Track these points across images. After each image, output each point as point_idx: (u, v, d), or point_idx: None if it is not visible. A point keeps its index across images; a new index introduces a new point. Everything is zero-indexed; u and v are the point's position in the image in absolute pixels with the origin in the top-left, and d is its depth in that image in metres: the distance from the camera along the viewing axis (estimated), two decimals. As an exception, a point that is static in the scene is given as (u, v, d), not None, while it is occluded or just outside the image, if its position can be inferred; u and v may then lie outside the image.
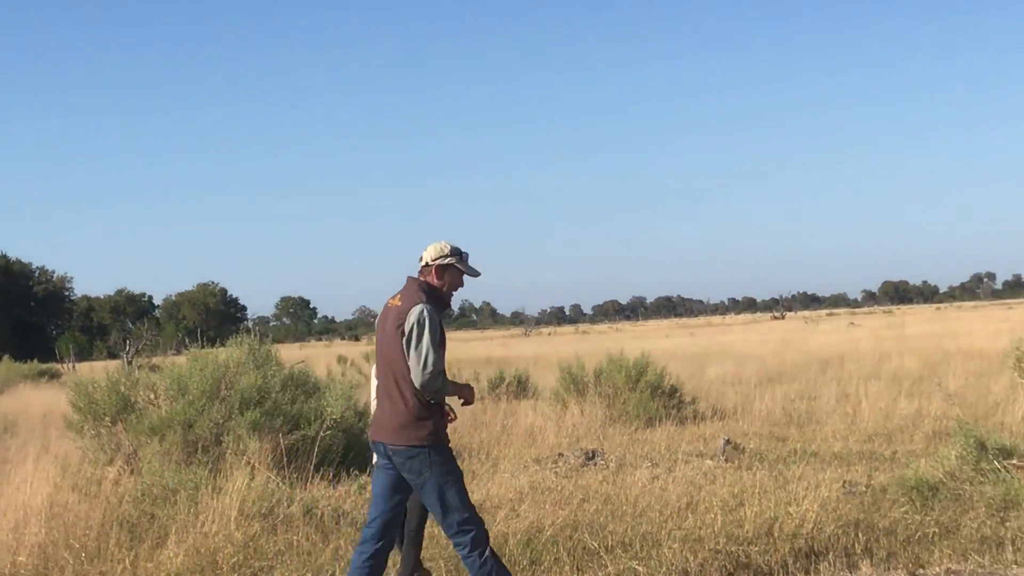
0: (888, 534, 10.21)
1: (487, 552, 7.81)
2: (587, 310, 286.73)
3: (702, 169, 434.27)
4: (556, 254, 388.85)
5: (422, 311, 7.66)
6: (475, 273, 8.05)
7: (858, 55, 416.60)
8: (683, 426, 19.60)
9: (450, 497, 7.76)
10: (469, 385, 8.11)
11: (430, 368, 7.60)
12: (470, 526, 7.77)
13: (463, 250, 8.03)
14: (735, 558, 9.65)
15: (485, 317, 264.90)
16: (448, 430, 8.00)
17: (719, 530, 10.22)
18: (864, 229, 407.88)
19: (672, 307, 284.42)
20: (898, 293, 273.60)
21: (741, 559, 9.67)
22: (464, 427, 19.27)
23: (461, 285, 8.06)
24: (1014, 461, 11.84)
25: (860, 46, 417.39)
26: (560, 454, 16.31)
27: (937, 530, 10.30)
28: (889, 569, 9.43)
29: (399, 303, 7.83)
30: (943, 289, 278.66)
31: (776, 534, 10.17)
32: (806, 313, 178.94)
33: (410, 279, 8.01)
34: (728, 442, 16.13)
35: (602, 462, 15.48)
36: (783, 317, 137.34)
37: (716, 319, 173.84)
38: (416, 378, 7.65)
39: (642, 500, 11.73)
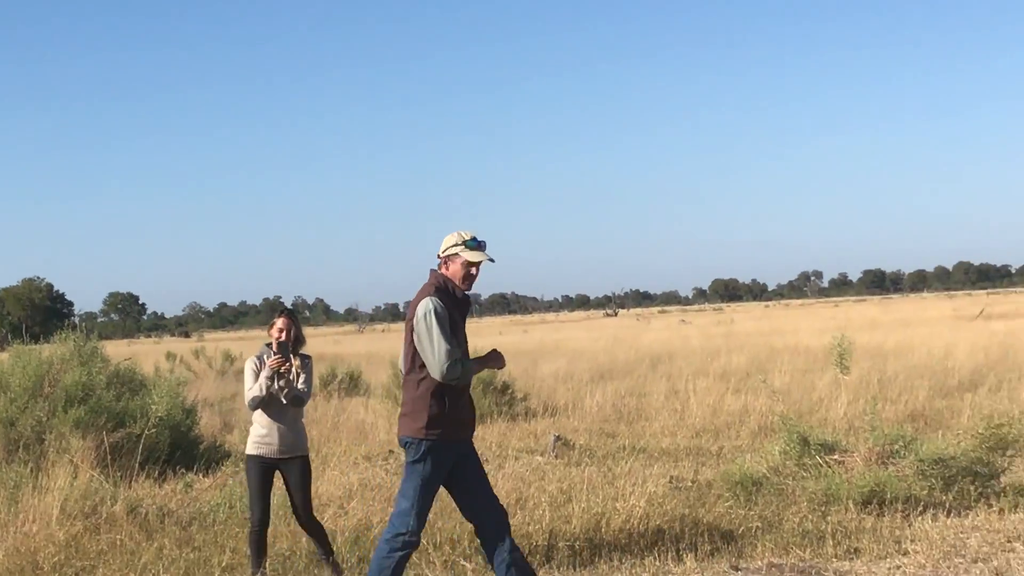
0: (712, 528, 10.35)
1: (403, 552, 7.76)
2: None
3: (533, 166, 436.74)
4: (388, 250, 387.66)
5: (427, 305, 7.69)
6: (480, 259, 7.92)
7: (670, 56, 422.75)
8: (514, 423, 19.67)
9: (406, 488, 7.79)
10: (494, 352, 8.08)
11: (445, 359, 7.60)
12: (402, 526, 7.74)
13: (478, 238, 7.97)
14: (563, 554, 9.72)
15: (318, 314, 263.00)
16: None
17: (547, 526, 10.27)
18: (694, 228, 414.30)
19: (507, 304, 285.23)
20: (728, 291, 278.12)
21: (568, 555, 9.74)
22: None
23: (472, 273, 7.95)
24: (836, 456, 12.08)
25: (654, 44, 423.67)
26: (391, 451, 16.27)
27: (760, 524, 10.48)
28: (713, 563, 9.56)
29: (415, 299, 7.91)
30: (771, 287, 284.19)
31: (603, 529, 10.26)
32: (639, 310, 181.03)
33: (431, 272, 8.05)
34: (558, 438, 16.23)
35: (433, 459, 15.44)
36: (616, 314, 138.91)
37: (550, 316, 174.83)
38: (435, 371, 7.66)
39: (472, 497, 11.72)
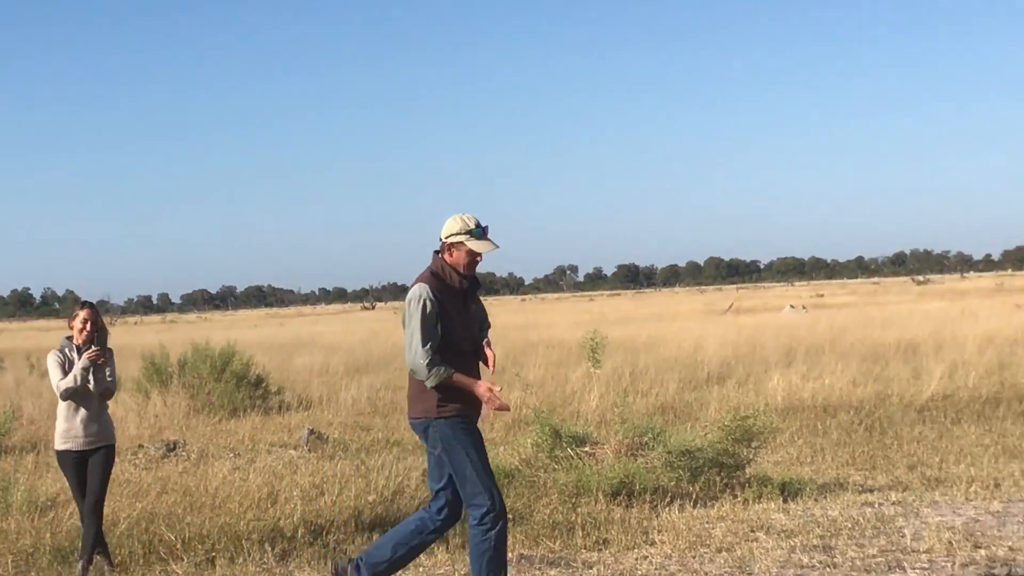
0: (463, 520, 10.34)
1: (497, 528, 7.52)
2: (176, 299, 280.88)
3: (282, 161, 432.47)
4: (142, 240, 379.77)
5: (417, 292, 7.46)
6: (486, 250, 7.65)
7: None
8: (268, 416, 19.44)
9: (459, 470, 7.50)
10: (482, 383, 7.52)
11: (414, 351, 7.37)
12: (482, 505, 7.50)
13: (482, 223, 7.66)
14: (317, 550, 9.64)
15: (68, 305, 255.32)
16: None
17: (299, 520, 10.15)
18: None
19: (263, 297, 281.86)
20: (486, 284, 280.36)
21: (319, 549, 9.66)
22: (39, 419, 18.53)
23: (477, 260, 7.68)
24: (587, 448, 12.23)
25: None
26: (140, 445, 15.91)
27: (511, 516, 10.50)
28: (465, 555, 9.53)
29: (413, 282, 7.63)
30: (528, 281, 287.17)
31: (355, 523, 10.19)
32: (396, 303, 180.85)
33: (433, 255, 7.75)
34: (312, 432, 16.08)
35: (183, 453, 15.16)
36: (373, 308, 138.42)
37: (307, 309, 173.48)
38: (407, 361, 7.46)
39: (222, 491, 11.52)
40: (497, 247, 7.62)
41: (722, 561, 9.10)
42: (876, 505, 10.96)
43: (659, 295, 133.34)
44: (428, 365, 7.34)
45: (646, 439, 12.22)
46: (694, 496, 11.33)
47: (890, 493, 11.55)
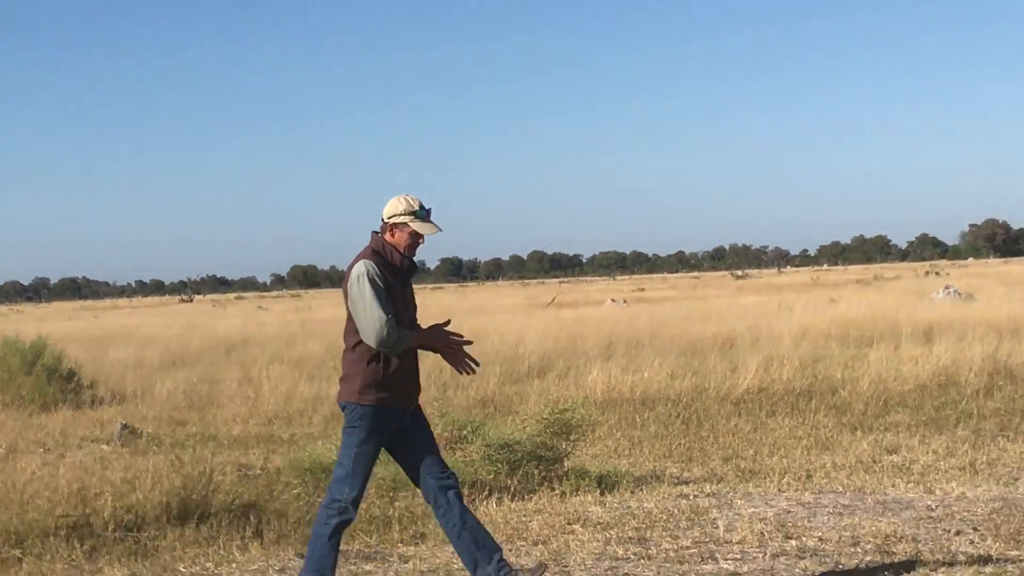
0: (280, 516, 10.22)
1: (337, 521, 7.36)
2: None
3: (94, 149, 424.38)
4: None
5: (360, 269, 7.25)
6: (430, 232, 7.47)
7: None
8: (80, 411, 19.01)
9: (342, 456, 7.40)
10: (437, 327, 7.53)
11: (374, 320, 7.15)
12: (337, 493, 7.37)
13: (425, 205, 7.45)
14: (128, 546, 9.44)
15: None
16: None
17: (109, 516, 9.91)
18: (273, 216, 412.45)
19: (77, 289, 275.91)
20: (307, 277, 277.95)
21: (131, 545, 9.46)
22: None
23: (419, 243, 7.47)
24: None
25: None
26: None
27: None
28: (279, 550, 9.44)
29: (350, 263, 7.40)
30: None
31: (168, 518, 10.00)
32: (215, 296, 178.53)
33: (372, 235, 7.52)
34: (125, 427, 15.77)
35: (-10, 449, 14.73)
36: (191, 300, 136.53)
37: (123, 301, 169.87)
38: (367, 337, 7.19)
39: (31, 487, 11.18)
40: (440, 230, 7.50)
41: (538, 554, 9.11)
42: (691, 497, 11.09)
43: (482, 289, 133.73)
44: (390, 331, 7.19)
45: (465, 433, 12.19)
46: (512, 489, 11.33)
47: (705, 485, 11.69)
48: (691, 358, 22.10)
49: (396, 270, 7.44)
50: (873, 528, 9.55)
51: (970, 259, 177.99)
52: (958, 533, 9.40)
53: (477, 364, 7.67)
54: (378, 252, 7.43)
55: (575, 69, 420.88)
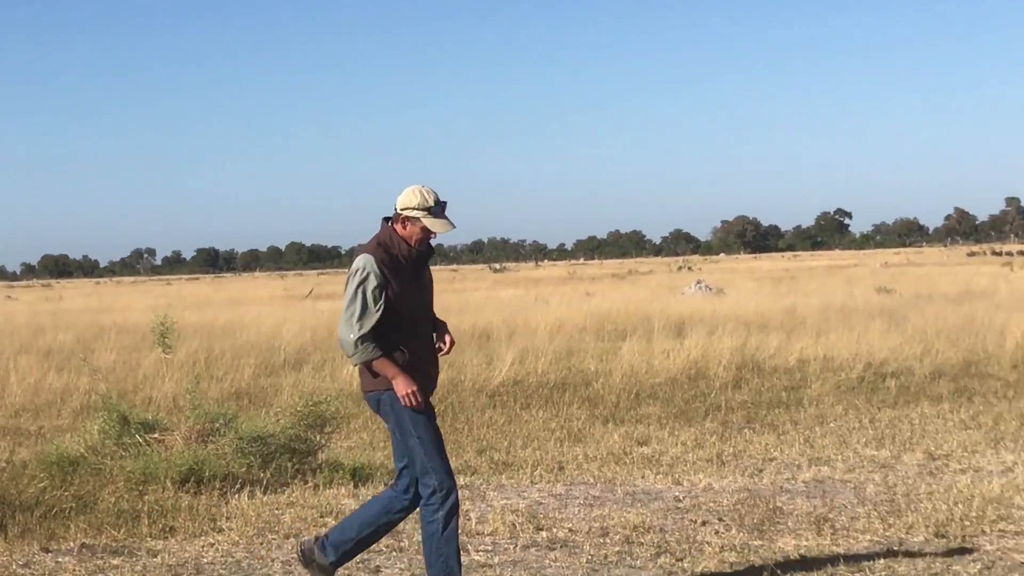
0: (25, 509, 9.94)
1: (445, 509, 7.16)
2: None
3: None
4: None
5: (360, 263, 7.03)
6: (443, 230, 7.16)
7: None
8: None
9: (409, 450, 7.17)
10: (403, 382, 7.07)
11: (344, 323, 6.99)
12: (428, 481, 7.16)
13: (441, 199, 7.12)
14: None
15: None
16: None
17: None
18: (19, 204, 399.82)
19: None
20: (58, 267, 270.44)
21: None
22: None
23: (431, 236, 7.16)
24: (157, 435, 11.95)
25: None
26: None
27: (75, 505, 10.18)
28: (23, 544, 9.19)
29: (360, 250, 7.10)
30: (104, 264, 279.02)
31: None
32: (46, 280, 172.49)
33: (382, 222, 7.20)
34: None
35: None
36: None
37: None
38: (339, 337, 7.05)
39: None
40: (454, 227, 7.22)
41: (289, 547, 9.07)
42: (445, 489, 11.13)
43: (239, 280, 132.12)
44: (357, 341, 7.01)
45: (218, 425, 12.03)
46: (264, 482, 11.22)
47: (459, 477, 11.73)
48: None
49: (404, 261, 7.21)
50: (622, 519, 9.76)
51: (721, 255, 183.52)
52: (704, 523, 9.67)
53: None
54: (383, 244, 7.20)
55: (321, 69, 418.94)
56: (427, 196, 7.15)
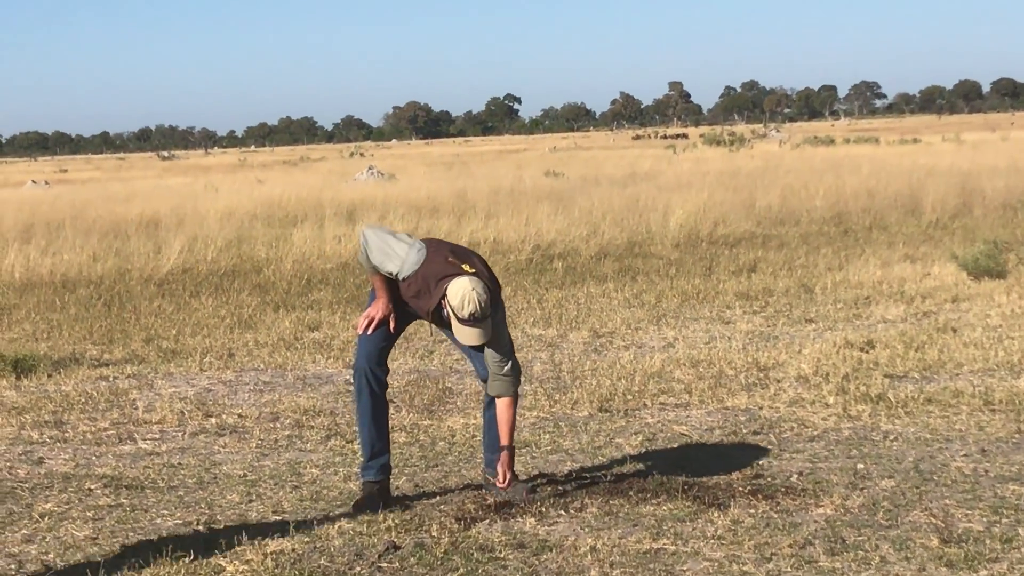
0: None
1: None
2: None
3: None
4: None
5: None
6: (460, 337, 6.97)
7: None
8: None
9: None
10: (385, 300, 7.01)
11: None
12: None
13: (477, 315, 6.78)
14: None
15: None
16: None
17: None
18: None
19: None
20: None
21: None
22: None
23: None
24: None
25: None
26: None
27: None
28: None
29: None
30: None
31: None
32: None
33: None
34: None
35: None
36: None
37: None
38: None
39: None
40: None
41: (-53, 443, 8.73)
42: (111, 379, 10.92)
43: None
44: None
45: None
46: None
47: (126, 367, 11.52)
48: (114, 240, 21.63)
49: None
50: (293, 403, 9.75)
51: (393, 141, 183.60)
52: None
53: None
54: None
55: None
56: (463, 309, 6.79)
